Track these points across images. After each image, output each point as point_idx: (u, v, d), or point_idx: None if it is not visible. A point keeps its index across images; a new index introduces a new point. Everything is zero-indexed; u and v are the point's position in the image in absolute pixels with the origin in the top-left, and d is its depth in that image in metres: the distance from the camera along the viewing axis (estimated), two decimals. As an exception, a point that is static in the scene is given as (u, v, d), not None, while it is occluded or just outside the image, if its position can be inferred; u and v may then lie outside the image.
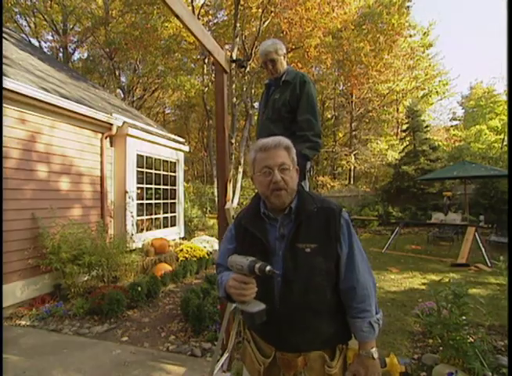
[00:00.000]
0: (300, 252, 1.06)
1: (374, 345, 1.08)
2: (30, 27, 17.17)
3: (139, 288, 3.95)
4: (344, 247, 1.09)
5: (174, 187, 7.15)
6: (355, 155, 18.16)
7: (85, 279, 4.35)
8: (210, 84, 15.47)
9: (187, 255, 5.72)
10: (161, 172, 6.67)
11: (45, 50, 16.64)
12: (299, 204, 1.12)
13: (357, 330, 1.08)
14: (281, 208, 1.11)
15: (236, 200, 11.84)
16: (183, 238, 7.37)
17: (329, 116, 21.71)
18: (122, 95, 17.88)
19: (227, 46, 13.73)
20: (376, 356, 1.07)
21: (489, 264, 5.71)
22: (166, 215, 6.82)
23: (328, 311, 1.08)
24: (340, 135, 22.24)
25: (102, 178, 5.28)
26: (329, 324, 1.08)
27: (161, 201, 6.67)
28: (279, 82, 2.25)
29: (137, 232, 5.62)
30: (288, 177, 1.08)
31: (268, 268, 0.93)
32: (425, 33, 17.97)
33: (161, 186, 6.68)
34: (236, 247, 1.20)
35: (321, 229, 1.08)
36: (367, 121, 20.29)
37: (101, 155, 5.29)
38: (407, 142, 14.02)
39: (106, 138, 5.33)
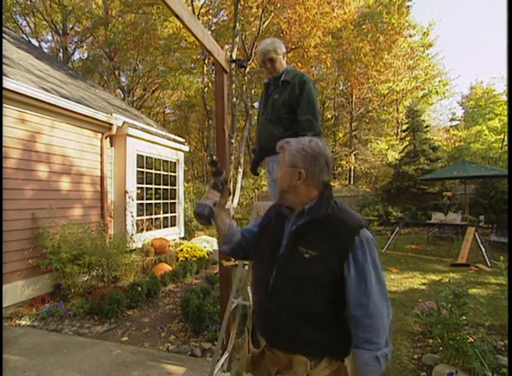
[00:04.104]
0: (298, 255, 1.06)
1: None
2: (30, 27, 17.18)
3: (139, 288, 3.95)
4: (354, 269, 1.01)
5: (174, 187, 7.14)
6: (355, 155, 18.16)
7: (85, 279, 4.35)
8: (210, 84, 15.48)
9: (187, 255, 5.72)
10: (161, 172, 6.67)
11: (45, 50, 16.63)
12: (312, 207, 1.10)
13: (361, 363, 1.00)
14: (294, 208, 1.15)
15: (236, 200, 11.85)
16: (183, 238, 7.37)
17: (329, 116, 21.70)
18: (122, 95, 17.89)
19: (227, 46, 13.73)
20: None
21: (489, 264, 5.72)
22: (166, 215, 6.82)
23: (314, 319, 1.04)
24: (340, 135, 22.24)
25: (102, 178, 5.27)
26: (313, 332, 1.05)
27: (161, 201, 6.66)
28: (278, 82, 2.22)
29: (137, 232, 5.61)
30: (278, 176, 1.15)
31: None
32: (425, 33, 17.98)
33: (161, 186, 6.67)
34: (257, 232, 1.29)
35: (327, 239, 1.04)
36: (367, 121, 20.29)
37: (101, 155, 5.28)
38: (407, 142, 14.02)
39: (106, 138, 5.33)
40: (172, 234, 6.89)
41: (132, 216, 5.51)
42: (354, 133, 19.63)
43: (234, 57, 11.06)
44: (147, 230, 6.02)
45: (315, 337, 1.05)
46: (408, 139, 14.01)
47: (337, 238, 1.03)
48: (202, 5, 14.88)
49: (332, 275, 1.01)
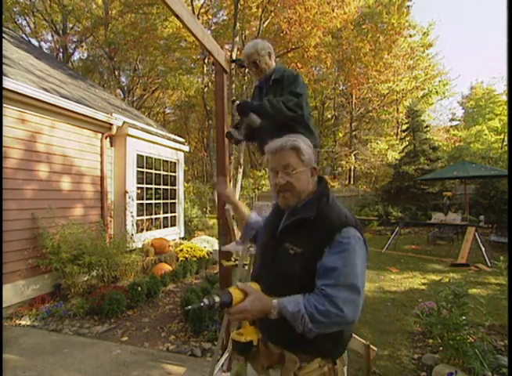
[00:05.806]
0: (283, 251, 1.06)
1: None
2: (30, 27, 17.19)
3: (139, 288, 3.95)
4: (324, 259, 0.97)
5: (174, 187, 7.14)
6: (355, 155, 18.15)
7: (85, 279, 4.35)
8: (210, 84, 15.47)
9: (187, 255, 5.72)
10: (161, 172, 6.67)
11: (45, 50, 16.64)
12: (304, 206, 1.08)
13: (285, 301, 0.95)
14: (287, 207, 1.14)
15: (235, 200, 11.80)
16: (183, 238, 7.37)
17: (329, 116, 21.72)
18: (122, 95, 17.89)
19: (227, 46, 13.74)
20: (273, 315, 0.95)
21: (489, 264, 5.72)
22: (166, 215, 6.82)
23: None
24: (340, 135, 22.24)
25: (102, 178, 5.27)
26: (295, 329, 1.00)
27: (161, 201, 6.66)
28: (269, 82, 2.16)
29: (137, 232, 5.61)
30: (294, 179, 1.07)
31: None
32: (425, 33, 17.97)
33: (161, 186, 6.67)
34: (263, 225, 1.36)
35: (314, 238, 1.02)
36: (367, 121, 20.30)
37: (101, 155, 5.28)
38: (407, 142, 14.01)
39: (106, 138, 5.33)
40: (172, 234, 6.89)
41: (132, 216, 5.51)
42: (354, 133, 19.64)
43: (234, 57, 11.05)
44: (147, 230, 6.02)
45: (299, 334, 0.99)
46: (408, 139, 14.00)
47: (321, 237, 1.00)
48: (202, 4, 14.88)
49: (311, 274, 0.99)
